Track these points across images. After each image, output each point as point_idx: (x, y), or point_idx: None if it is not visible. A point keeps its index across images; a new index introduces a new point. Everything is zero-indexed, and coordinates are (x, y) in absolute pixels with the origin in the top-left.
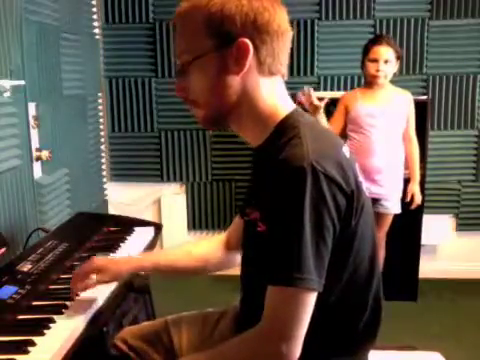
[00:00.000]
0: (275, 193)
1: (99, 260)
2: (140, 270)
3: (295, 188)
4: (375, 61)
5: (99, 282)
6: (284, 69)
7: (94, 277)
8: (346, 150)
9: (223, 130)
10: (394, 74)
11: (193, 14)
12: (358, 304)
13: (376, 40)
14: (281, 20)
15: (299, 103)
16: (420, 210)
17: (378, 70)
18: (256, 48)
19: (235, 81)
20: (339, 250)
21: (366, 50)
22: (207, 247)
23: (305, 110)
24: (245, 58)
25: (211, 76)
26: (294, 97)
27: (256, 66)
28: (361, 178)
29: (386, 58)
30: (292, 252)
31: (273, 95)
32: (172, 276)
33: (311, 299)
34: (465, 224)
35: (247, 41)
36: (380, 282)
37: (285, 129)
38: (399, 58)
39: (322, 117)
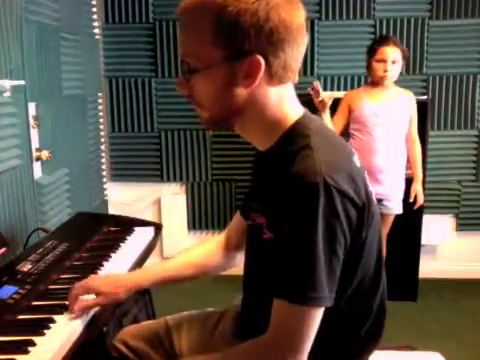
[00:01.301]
0: (287, 208)
1: (96, 281)
2: (138, 289)
3: (308, 204)
4: (382, 62)
5: (98, 304)
6: (295, 76)
7: (91, 297)
8: (356, 160)
9: (226, 130)
10: None
11: (203, 14)
12: (363, 310)
13: (383, 41)
14: (298, 34)
15: (308, 95)
16: (420, 210)
17: (386, 70)
18: (268, 63)
19: (242, 92)
20: (349, 261)
21: (372, 51)
22: (205, 253)
23: (312, 108)
24: (256, 75)
25: (218, 86)
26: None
27: (266, 79)
28: (371, 188)
29: (394, 59)
30: (306, 270)
31: (282, 101)
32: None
33: (320, 314)
34: (465, 224)
35: (260, 58)
36: (385, 287)
37: (295, 137)
38: (405, 58)
39: (327, 115)
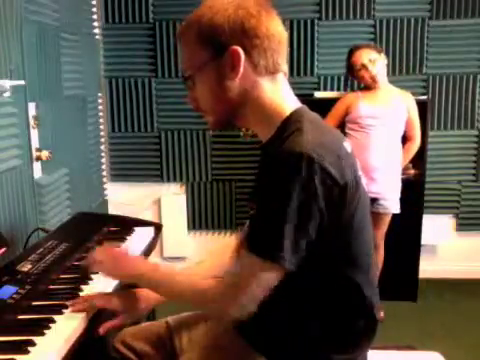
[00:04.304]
0: (268, 174)
1: (117, 302)
2: (157, 304)
3: (287, 170)
4: (363, 67)
5: (123, 323)
6: (283, 67)
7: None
8: (347, 145)
9: (226, 129)
10: (394, 74)
11: (189, 30)
12: (356, 301)
13: (352, 51)
14: (269, 23)
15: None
16: (420, 210)
17: (370, 71)
18: (247, 52)
19: (234, 85)
20: (334, 242)
21: (350, 67)
22: (219, 262)
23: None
24: (238, 63)
25: (212, 84)
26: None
27: (251, 68)
28: (360, 173)
29: (369, 58)
30: (271, 226)
31: (277, 93)
32: None
33: (275, 276)
34: (465, 224)
35: (237, 48)
36: (376, 277)
37: (289, 124)
38: (381, 52)
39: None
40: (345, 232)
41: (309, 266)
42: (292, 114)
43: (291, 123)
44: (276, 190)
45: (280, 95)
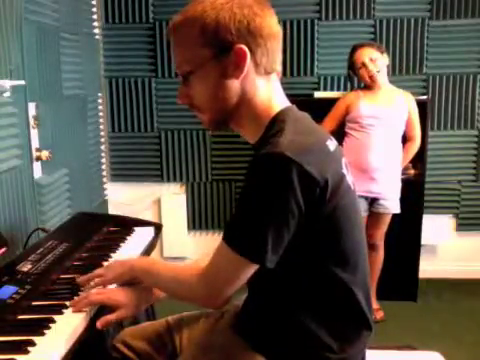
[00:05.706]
0: (249, 174)
1: (118, 296)
2: (157, 301)
3: (265, 170)
4: (363, 66)
5: (120, 318)
6: (278, 67)
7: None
8: (331, 144)
9: (225, 130)
10: (394, 74)
11: (188, 25)
12: (344, 300)
13: (354, 49)
14: (271, 22)
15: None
16: (420, 210)
17: (370, 70)
18: (252, 51)
19: (235, 84)
20: (322, 240)
21: (351, 65)
22: None
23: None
24: (244, 63)
25: (212, 83)
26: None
27: (253, 68)
28: (345, 171)
29: (370, 57)
30: (254, 228)
31: (269, 93)
32: None
33: (252, 268)
34: (465, 224)
35: (243, 47)
36: (368, 277)
37: (274, 125)
38: (384, 52)
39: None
40: (332, 230)
41: (299, 264)
42: (278, 114)
43: (276, 123)
44: (256, 190)
45: (271, 95)
